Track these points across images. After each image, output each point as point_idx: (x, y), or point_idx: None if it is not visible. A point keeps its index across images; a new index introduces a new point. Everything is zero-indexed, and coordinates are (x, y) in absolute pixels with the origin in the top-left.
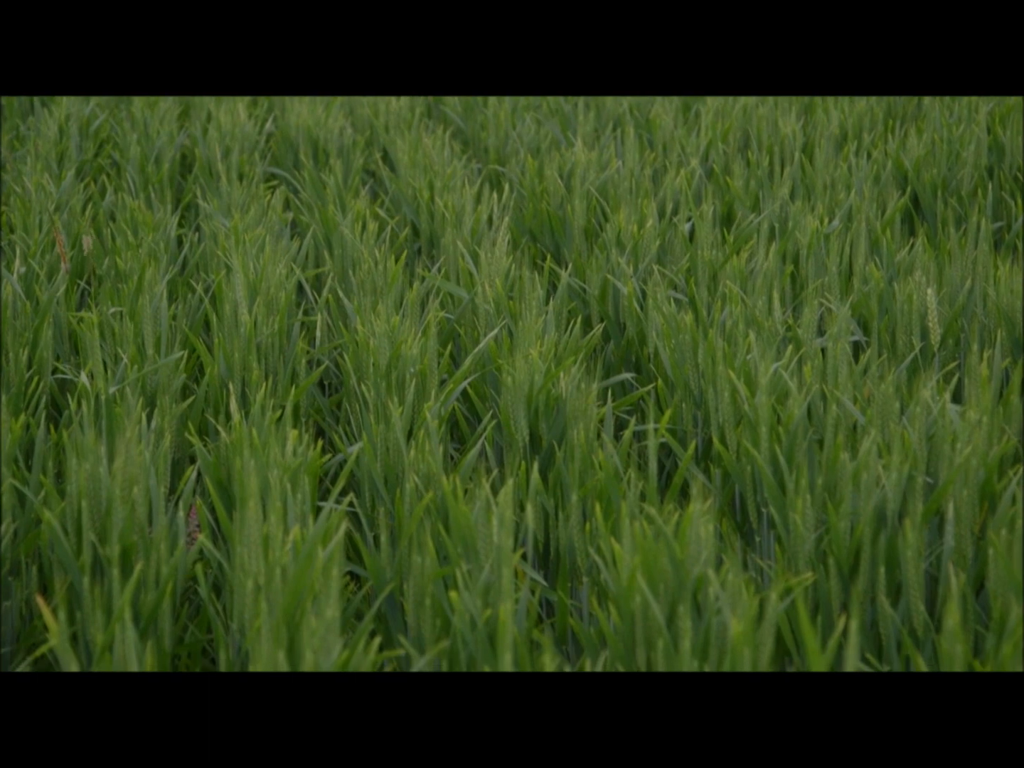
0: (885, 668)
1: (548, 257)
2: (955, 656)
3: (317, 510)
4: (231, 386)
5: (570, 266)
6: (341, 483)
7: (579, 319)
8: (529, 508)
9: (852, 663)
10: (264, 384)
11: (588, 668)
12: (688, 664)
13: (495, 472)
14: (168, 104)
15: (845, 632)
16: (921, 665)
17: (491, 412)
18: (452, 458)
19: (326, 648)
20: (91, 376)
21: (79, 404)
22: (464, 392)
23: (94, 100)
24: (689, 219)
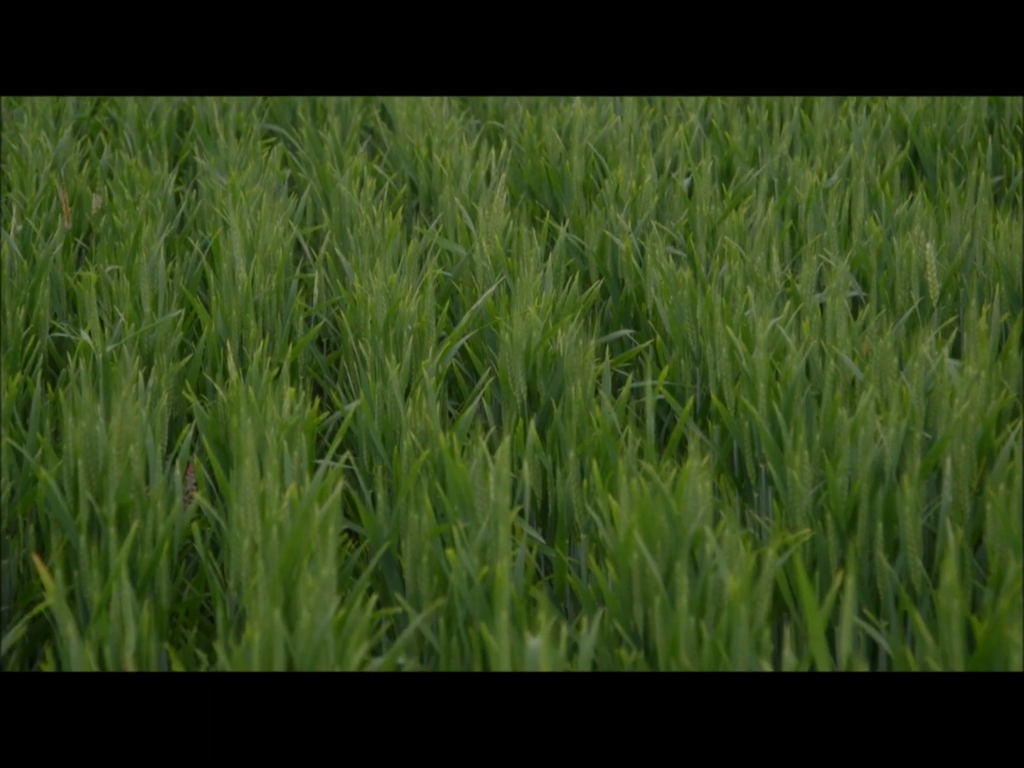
0: (883, 624)
1: (546, 213)
2: (952, 611)
3: (314, 468)
4: (228, 344)
5: (568, 222)
6: (338, 441)
7: (577, 275)
8: (526, 465)
9: (848, 619)
10: (261, 342)
11: (585, 625)
12: (685, 621)
13: (492, 429)
14: None
15: (842, 588)
16: (919, 621)
17: (489, 369)
18: (450, 415)
19: (323, 606)
20: (89, 334)
21: (76, 363)
22: (462, 349)
23: None
24: (688, 175)
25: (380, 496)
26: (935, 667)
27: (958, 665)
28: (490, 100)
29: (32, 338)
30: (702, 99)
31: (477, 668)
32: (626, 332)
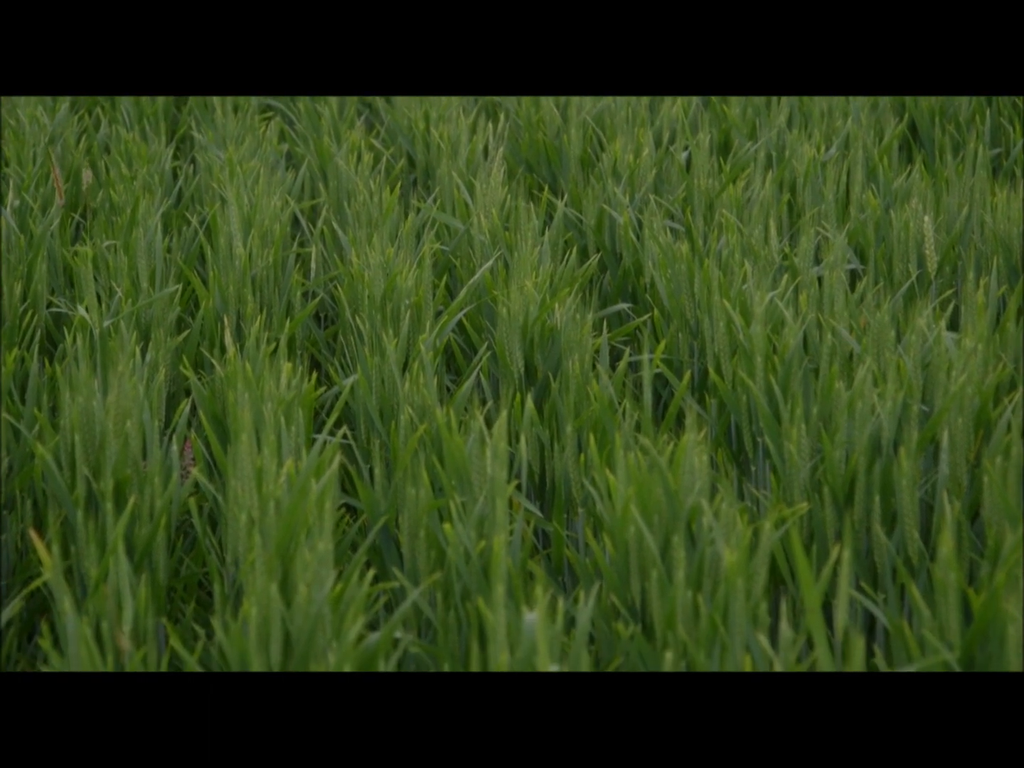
0: (880, 597)
1: (544, 187)
2: (949, 584)
3: (311, 443)
4: (226, 319)
5: (566, 196)
6: (335, 415)
7: (575, 249)
8: (524, 439)
9: (844, 592)
10: (259, 317)
11: (582, 599)
12: (682, 594)
13: (490, 404)
14: None
15: (839, 561)
16: (916, 594)
17: (486, 343)
18: (447, 390)
19: (320, 580)
20: (86, 310)
21: (73, 338)
22: (459, 324)
23: None
24: (686, 148)
25: (377, 471)
26: (932, 640)
27: (955, 638)
28: None
29: (29, 313)
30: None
31: (474, 642)
32: (624, 306)
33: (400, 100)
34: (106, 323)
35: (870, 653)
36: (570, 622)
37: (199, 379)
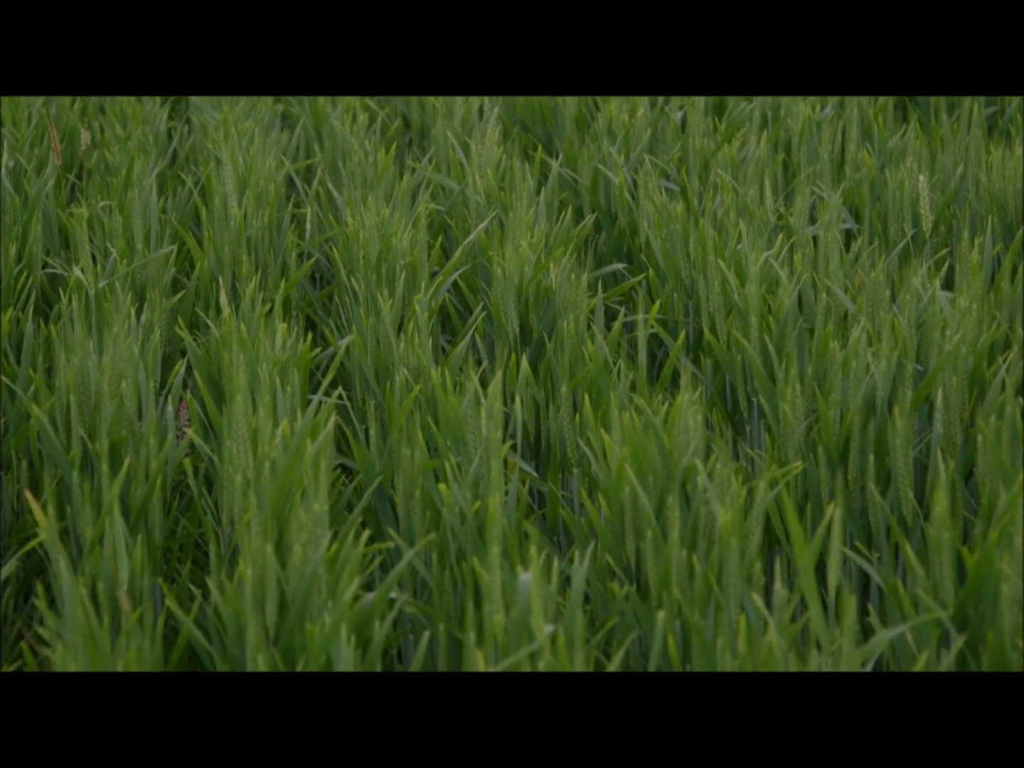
0: (874, 556)
1: (539, 147)
2: (943, 543)
3: (307, 403)
4: (221, 280)
5: (561, 156)
6: (331, 376)
7: (570, 209)
8: (519, 400)
9: (837, 551)
10: (254, 277)
11: (577, 559)
12: (677, 554)
13: (485, 364)
14: None
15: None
16: (909, 552)
17: (481, 304)
18: (443, 350)
19: (315, 541)
20: (81, 271)
21: (69, 299)
22: (454, 284)
23: None
24: (681, 108)
25: (373, 431)
26: (925, 598)
27: (948, 596)
28: None
29: (24, 274)
30: None
31: (469, 602)
32: (619, 266)
33: None
34: (101, 284)
35: (864, 612)
36: (565, 582)
37: (194, 340)
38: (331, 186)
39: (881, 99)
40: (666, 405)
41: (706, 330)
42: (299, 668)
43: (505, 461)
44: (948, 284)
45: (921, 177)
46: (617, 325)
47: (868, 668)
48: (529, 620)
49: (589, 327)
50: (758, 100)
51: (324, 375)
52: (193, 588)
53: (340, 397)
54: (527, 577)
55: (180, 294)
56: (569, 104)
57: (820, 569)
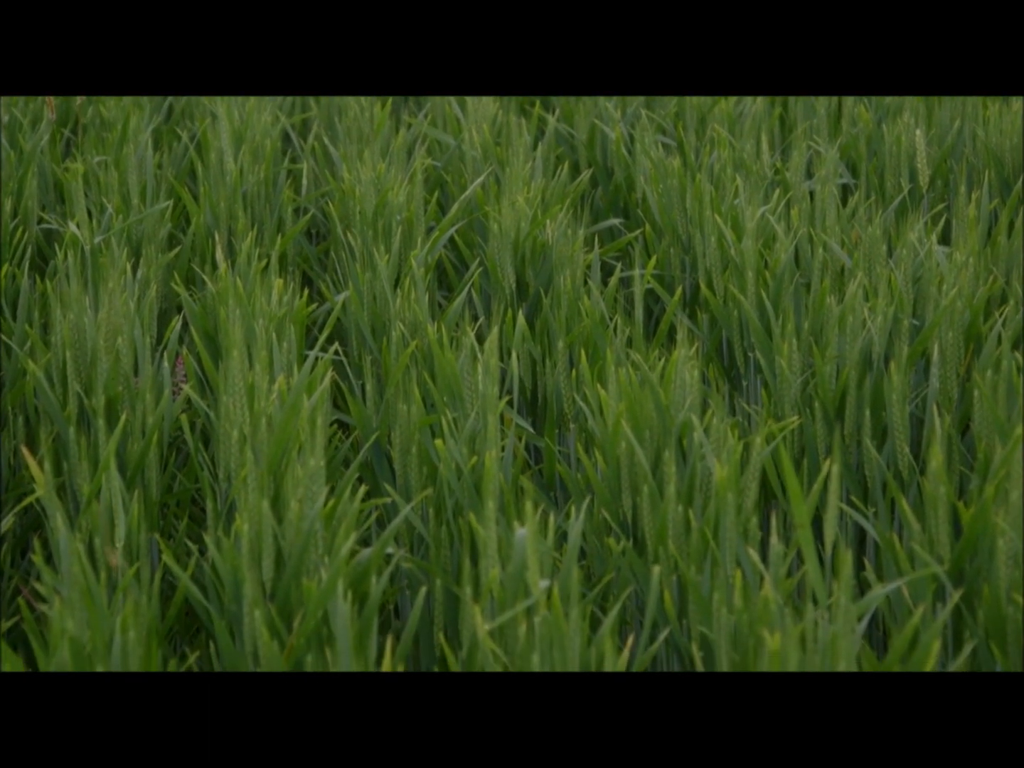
0: (871, 510)
1: (536, 102)
2: (939, 498)
3: (303, 359)
4: (217, 235)
5: (558, 111)
6: (327, 332)
7: (567, 165)
8: (515, 355)
9: (833, 506)
10: (250, 233)
11: (574, 514)
12: (673, 509)
13: (481, 320)
14: None
15: (830, 475)
16: (906, 507)
17: (478, 259)
18: (439, 306)
19: (311, 497)
20: (77, 226)
21: (64, 254)
22: (451, 239)
23: None
24: None
25: (369, 387)
26: (921, 553)
27: (945, 551)
28: None
29: (20, 230)
30: None
31: (466, 558)
32: (615, 221)
33: None
34: (97, 239)
35: (860, 567)
36: (561, 537)
37: (190, 295)
38: (327, 141)
39: None
40: (662, 361)
41: (702, 285)
42: (296, 623)
43: (501, 417)
44: (945, 239)
45: (918, 132)
46: (613, 280)
47: (864, 623)
48: (525, 575)
49: (586, 282)
50: None
51: (320, 331)
52: (190, 544)
53: (336, 353)
54: (523, 532)
55: (176, 250)
56: None
57: (816, 524)
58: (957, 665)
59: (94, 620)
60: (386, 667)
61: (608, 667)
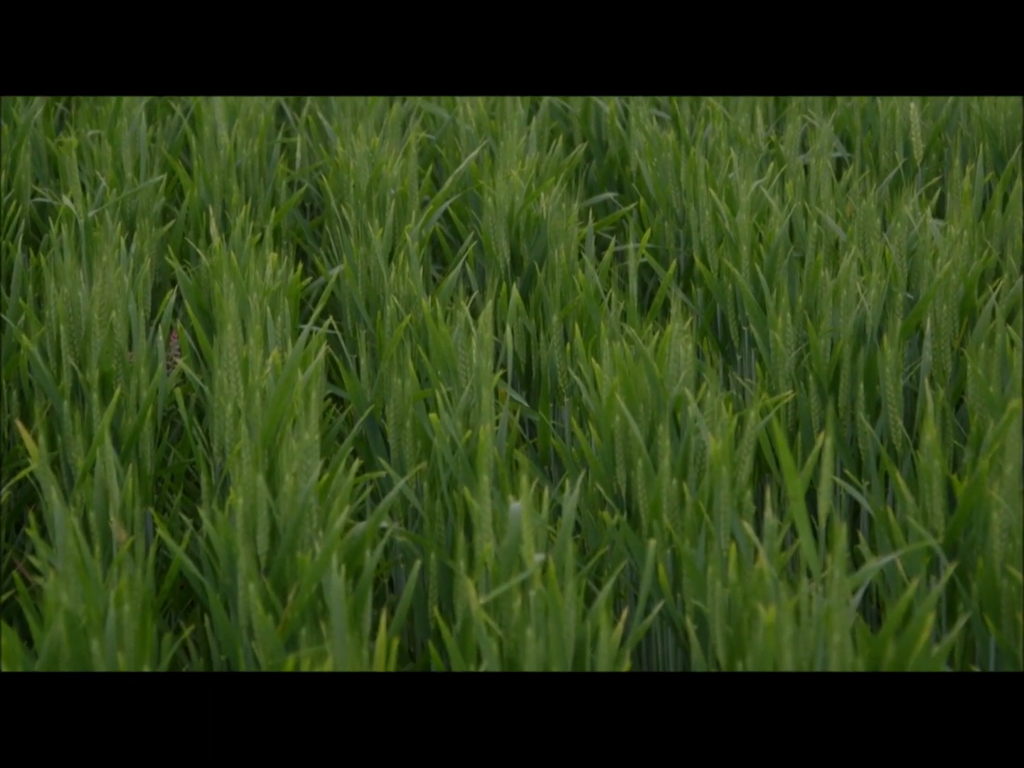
0: (864, 484)
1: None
2: (933, 471)
3: (298, 333)
4: (211, 209)
5: None
6: (321, 306)
7: (561, 138)
8: (509, 329)
9: (827, 479)
10: (244, 207)
11: (568, 488)
12: (668, 483)
13: (476, 293)
14: None
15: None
16: (899, 481)
17: (472, 233)
18: (433, 280)
19: (306, 470)
20: (71, 200)
21: (58, 228)
22: (445, 213)
23: None
24: None
25: (363, 361)
26: (916, 526)
27: (939, 524)
28: None
29: (14, 203)
30: None
31: (460, 531)
32: (610, 195)
33: None
34: (91, 213)
35: (854, 540)
36: (556, 511)
37: (184, 269)
38: (321, 115)
39: None
40: (657, 334)
41: (697, 259)
42: (290, 597)
43: (496, 390)
44: (939, 212)
45: (912, 105)
46: (608, 254)
47: (858, 596)
48: (520, 549)
49: (580, 256)
50: None
51: (315, 305)
52: (184, 517)
53: (331, 327)
54: (518, 506)
55: (170, 223)
56: None
57: (810, 497)
58: (951, 638)
59: (89, 593)
60: (380, 640)
61: (603, 640)
